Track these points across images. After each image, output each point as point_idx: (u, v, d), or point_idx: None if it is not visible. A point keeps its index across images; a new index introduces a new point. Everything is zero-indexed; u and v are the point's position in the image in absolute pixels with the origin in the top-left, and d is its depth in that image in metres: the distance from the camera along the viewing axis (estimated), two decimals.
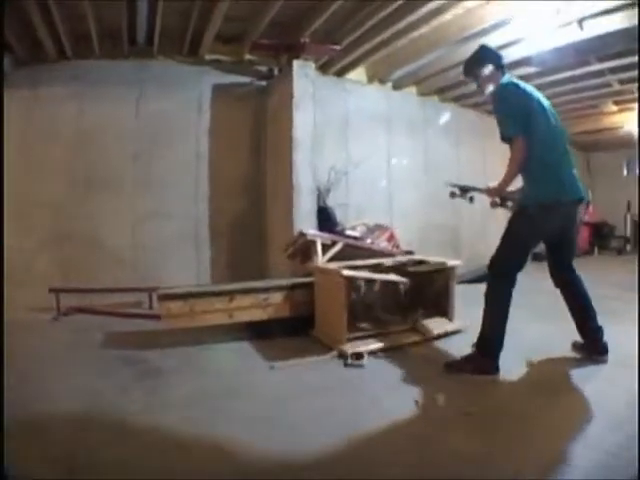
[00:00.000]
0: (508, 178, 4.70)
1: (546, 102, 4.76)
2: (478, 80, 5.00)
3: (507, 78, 4.81)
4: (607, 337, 4.77)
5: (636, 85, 10.81)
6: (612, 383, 4.21)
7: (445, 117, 11.96)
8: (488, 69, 4.86)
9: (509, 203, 4.94)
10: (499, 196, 4.92)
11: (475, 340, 4.77)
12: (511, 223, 4.70)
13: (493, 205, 5.00)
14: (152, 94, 8.51)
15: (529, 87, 4.75)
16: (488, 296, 4.65)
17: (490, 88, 4.89)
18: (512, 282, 4.65)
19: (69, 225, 7.95)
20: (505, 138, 4.62)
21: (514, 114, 4.50)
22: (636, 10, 6.83)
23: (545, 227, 4.64)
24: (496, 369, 4.53)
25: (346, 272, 5.23)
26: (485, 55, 4.97)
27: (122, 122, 8.37)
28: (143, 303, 7.57)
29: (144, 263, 8.30)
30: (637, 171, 16.70)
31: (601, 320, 4.80)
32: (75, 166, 8.06)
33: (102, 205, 8.17)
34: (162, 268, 8.30)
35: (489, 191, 4.94)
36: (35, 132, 7.83)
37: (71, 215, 7.98)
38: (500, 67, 4.88)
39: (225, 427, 3.47)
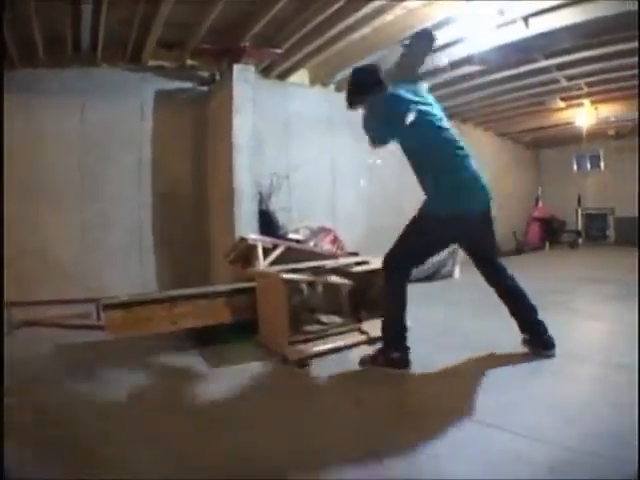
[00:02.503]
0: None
1: (435, 107, 4.73)
2: (359, 103, 4.96)
3: (390, 89, 4.71)
4: (559, 331, 4.85)
5: (583, 81, 10.98)
6: (560, 376, 4.25)
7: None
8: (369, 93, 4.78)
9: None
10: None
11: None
12: (408, 227, 4.76)
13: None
14: (96, 102, 8.43)
15: (410, 94, 4.61)
16: (385, 290, 4.72)
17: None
18: (407, 275, 4.68)
19: (16, 237, 7.79)
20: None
21: (387, 126, 4.59)
22: (583, 6, 6.95)
23: (441, 237, 4.73)
24: (406, 362, 4.57)
25: (285, 275, 5.23)
26: (363, 81, 4.90)
27: (67, 131, 8.29)
28: (91, 313, 7.46)
29: (90, 273, 8.22)
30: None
31: (547, 314, 4.87)
32: (22, 177, 7.91)
33: (48, 216, 8.08)
34: (108, 278, 8.24)
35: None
36: None
37: (17, 226, 7.81)
38: (378, 84, 4.76)
39: (168, 432, 3.50)
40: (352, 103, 5.00)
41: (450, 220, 4.44)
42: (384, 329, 4.73)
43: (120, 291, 7.19)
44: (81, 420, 3.78)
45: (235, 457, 3.09)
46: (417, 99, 4.58)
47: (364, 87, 4.82)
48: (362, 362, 4.80)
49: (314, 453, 3.10)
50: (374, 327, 5.60)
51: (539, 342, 4.76)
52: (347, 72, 9.42)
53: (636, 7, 6.54)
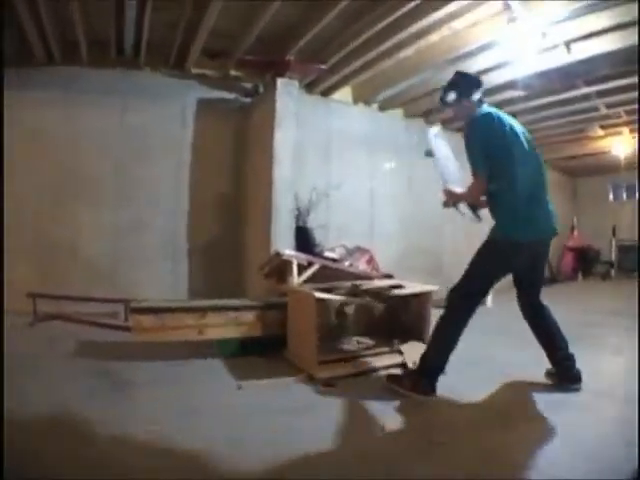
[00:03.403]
0: (463, 198, 4.73)
1: (522, 131, 4.67)
2: (452, 109, 4.97)
3: (485, 108, 4.70)
4: (586, 365, 4.78)
5: (622, 109, 10.86)
6: (583, 412, 4.17)
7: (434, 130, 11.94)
8: (462, 98, 4.77)
9: (462, 209, 4.86)
10: (452, 202, 4.84)
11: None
12: (479, 253, 4.66)
13: (445, 205, 4.92)
14: (137, 105, 8.53)
15: (505, 117, 4.61)
16: (443, 319, 4.61)
17: (464, 118, 4.86)
18: (471, 310, 4.59)
19: (50, 231, 7.95)
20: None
21: (482, 151, 4.45)
22: (622, 33, 6.88)
23: (512, 263, 4.64)
24: (432, 390, 4.52)
25: (318, 294, 5.17)
26: (459, 83, 4.83)
27: (106, 131, 8.38)
28: (119, 314, 7.48)
29: (122, 274, 8.27)
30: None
31: (577, 347, 4.79)
32: (58, 172, 8.06)
33: (83, 213, 8.18)
34: (139, 280, 8.26)
35: (446, 191, 4.86)
36: (19, 135, 7.74)
37: (52, 221, 7.98)
38: (477, 95, 4.77)
39: (186, 444, 3.42)
40: (443, 101, 4.97)
41: (523, 245, 4.49)
42: (427, 355, 4.64)
43: (150, 294, 7.25)
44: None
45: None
46: (504, 120, 4.58)
47: (459, 89, 4.80)
48: (388, 378, 4.81)
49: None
50: (406, 352, 5.59)
51: (566, 375, 4.72)
52: (390, 92, 9.51)
53: None
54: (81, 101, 8.17)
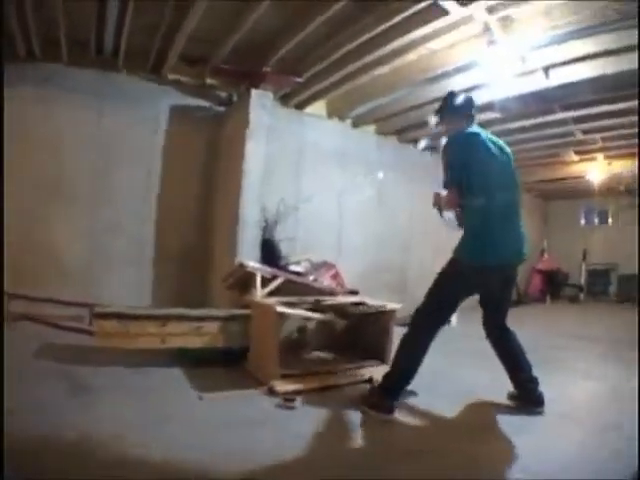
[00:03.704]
0: (443, 203, 4.74)
1: (506, 156, 4.75)
2: (443, 126, 5.06)
3: (473, 127, 4.77)
4: (551, 388, 4.83)
5: (599, 135, 10.97)
6: (546, 435, 4.21)
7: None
8: (452, 116, 4.90)
9: (445, 215, 4.87)
10: (438, 205, 4.83)
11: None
12: (443, 273, 4.68)
13: (433, 205, 4.89)
14: (113, 107, 8.49)
15: (488, 138, 4.70)
16: (407, 338, 4.62)
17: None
18: (434, 329, 4.60)
19: (24, 230, 7.84)
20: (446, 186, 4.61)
21: (455, 166, 4.52)
22: (608, 59, 6.94)
23: (477, 285, 4.70)
24: (391, 410, 4.51)
25: (280, 308, 5.19)
26: (451, 102, 4.95)
27: (83, 132, 8.34)
28: (85, 317, 7.42)
29: (93, 277, 8.25)
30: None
31: (546, 370, 4.93)
32: (35, 170, 7.98)
33: (58, 214, 8.11)
34: (109, 284, 8.25)
35: (435, 194, 4.81)
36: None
37: (27, 221, 7.88)
38: (467, 116, 4.87)
39: (144, 454, 3.43)
40: (440, 121, 5.08)
41: (488, 270, 4.51)
42: (390, 374, 4.65)
43: (117, 299, 7.27)
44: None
45: None
46: (486, 141, 4.63)
47: (450, 109, 4.94)
48: (359, 397, 4.78)
49: None
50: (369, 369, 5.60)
51: (529, 398, 4.74)
52: (365, 108, 9.54)
53: None
54: (60, 99, 8.11)
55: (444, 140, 4.89)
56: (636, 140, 10.88)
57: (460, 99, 4.95)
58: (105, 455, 3.35)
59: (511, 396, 4.92)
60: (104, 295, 7.66)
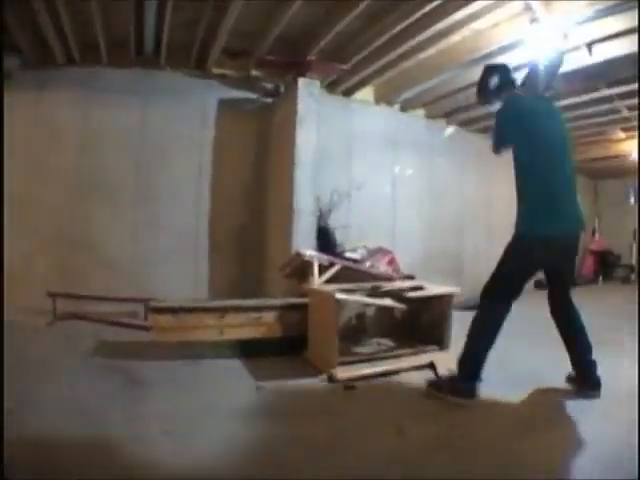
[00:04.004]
0: None
1: (558, 124, 4.68)
2: (489, 100, 4.99)
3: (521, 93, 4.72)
4: (604, 371, 4.66)
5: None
6: (604, 419, 4.07)
7: (449, 131, 11.95)
8: (495, 86, 4.82)
9: None
10: None
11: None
12: (507, 252, 4.59)
13: None
14: (157, 105, 8.52)
15: (541, 104, 4.65)
16: (477, 321, 4.56)
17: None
18: (504, 311, 4.52)
19: (69, 230, 7.96)
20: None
21: (505, 127, 4.52)
22: None
23: (542, 259, 4.56)
24: (472, 394, 4.45)
25: (338, 295, 5.14)
26: (492, 73, 4.90)
27: (126, 131, 8.38)
28: (138, 313, 7.47)
29: (142, 274, 8.25)
30: None
31: (598, 352, 4.69)
32: (77, 171, 8.08)
33: (102, 213, 8.16)
34: (159, 280, 8.23)
35: None
36: (39, 135, 7.84)
37: (72, 220, 7.99)
38: (509, 82, 4.82)
39: (200, 445, 3.41)
40: (485, 98, 5.04)
41: (551, 241, 4.42)
42: (463, 358, 4.58)
43: (170, 294, 7.24)
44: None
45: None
46: (539, 110, 4.58)
47: (492, 79, 4.85)
48: (430, 385, 4.72)
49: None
50: (429, 354, 5.55)
51: (587, 381, 4.64)
52: (412, 92, 9.46)
53: None
54: (101, 101, 8.17)
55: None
56: None
57: (498, 68, 4.95)
58: (152, 451, 3.33)
59: (569, 379, 4.82)
60: (159, 290, 7.60)
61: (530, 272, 4.69)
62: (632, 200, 17.57)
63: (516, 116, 4.48)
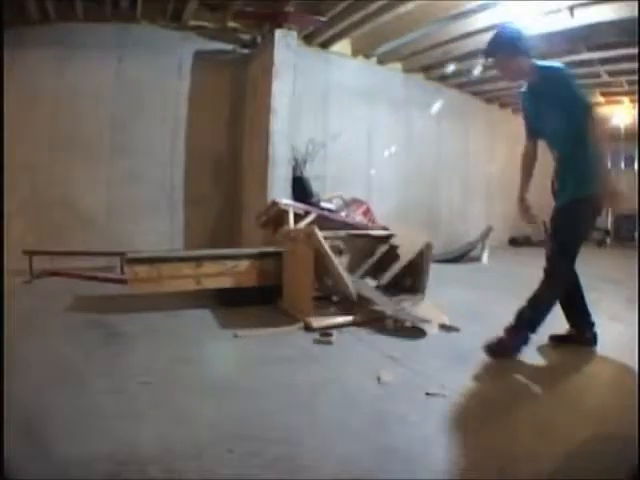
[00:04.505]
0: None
1: None
2: (506, 63, 4.75)
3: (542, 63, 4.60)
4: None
5: (624, 78, 10.78)
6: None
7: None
8: (518, 53, 4.51)
9: None
10: None
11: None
12: (569, 217, 4.52)
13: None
14: (133, 58, 8.46)
15: None
16: (554, 277, 4.51)
17: (517, 74, 4.65)
18: (572, 272, 4.63)
19: (45, 188, 7.91)
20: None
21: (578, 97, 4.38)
22: (629, 2, 6.79)
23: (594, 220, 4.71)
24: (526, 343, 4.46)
25: (317, 231, 5.18)
26: (514, 37, 4.58)
27: (102, 85, 8.32)
28: (115, 267, 7.43)
29: (118, 228, 8.26)
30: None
31: None
32: (54, 128, 8.00)
33: (78, 168, 8.12)
34: (136, 233, 8.25)
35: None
36: (13, 95, 7.63)
37: (47, 177, 7.94)
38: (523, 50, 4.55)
39: (180, 395, 3.41)
40: (491, 53, 4.68)
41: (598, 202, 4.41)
42: (528, 312, 4.47)
43: (148, 246, 7.27)
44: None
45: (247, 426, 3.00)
46: None
47: (511, 44, 4.53)
48: (489, 350, 4.44)
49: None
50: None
51: (585, 337, 4.70)
52: (390, 46, 9.42)
53: None
54: (77, 57, 8.08)
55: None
56: None
57: (515, 34, 4.64)
58: (134, 399, 3.34)
59: (553, 338, 4.81)
60: (134, 243, 7.66)
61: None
62: (609, 166, 17.61)
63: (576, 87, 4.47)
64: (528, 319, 4.44)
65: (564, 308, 4.75)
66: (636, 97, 12.30)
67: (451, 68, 10.89)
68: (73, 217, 7.98)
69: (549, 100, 4.45)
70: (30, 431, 2.85)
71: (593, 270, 5.22)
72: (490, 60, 4.81)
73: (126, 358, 4.15)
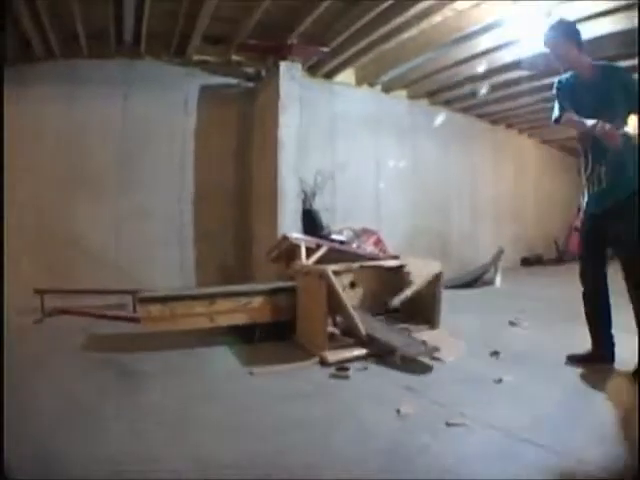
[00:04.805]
0: None
1: None
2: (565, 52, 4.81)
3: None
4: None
5: None
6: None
7: (439, 119, 11.97)
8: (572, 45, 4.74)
9: None
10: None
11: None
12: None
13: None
14: (139, 94, 8.47)
15: None
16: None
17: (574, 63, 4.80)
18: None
19: (53, 226, 7.88)
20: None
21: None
22: (630, 13, 6.81)
23: None
24: (611, 357, 4.60)
25: (330, 267, 5.20)
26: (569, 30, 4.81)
27: (108, 122, 8.33)
28: (127, 305, 7.42)
29: (128, 265, 8.21)
30: None
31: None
32: (60, 166, 8.01)
33: (86, 206, 8.10)
34: (146, 270, 8.21)
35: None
36: (21, 131, 7.65)
37: (55, 215, 7.92)
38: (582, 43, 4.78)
39: (196, 434, 3.38)
40: (552, 38, 4.88)
41: None
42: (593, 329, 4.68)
43: (158, 284, 7.24)
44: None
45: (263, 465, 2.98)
46: None
47: (572, 31, 4.80)
48: (572, 360, 4.76)
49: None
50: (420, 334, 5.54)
51: (605, 355, 4.65)
52: (394, 73, 9.45)
53: None
54: (82, 93, 8.10)
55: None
56: None
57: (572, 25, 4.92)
58: (153, 438, 3.33)
59: (571, 359, 4.79)
60: (145, 280, 7.64)
61: None
62: None
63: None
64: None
65: (589, 319, 4.73)
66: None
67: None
68: (83, 254, 7.95)
69: (607, 96, 4.52)
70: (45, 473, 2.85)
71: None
72: (547, 48, 4.98)
73: (141, 397, 4.15)
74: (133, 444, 3.23)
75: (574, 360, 4.75)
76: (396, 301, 5.91)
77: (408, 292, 5.94)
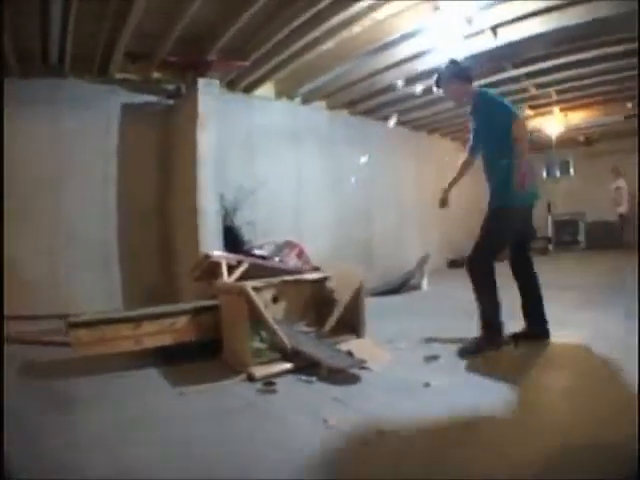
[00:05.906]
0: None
1: None
2: (451, 89, 5.54)
3: (485, 90, 5.63)
4: None
5: (552, 89, 11.07)
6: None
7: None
8: (459, 83, 5.40)
9: None
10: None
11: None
12: (487, 224, 5.36)
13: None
14: (64, 115, 8.41)
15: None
16: (477, 286, 5.23)
17: (461, 98, 5.52)
18: (493, 270, 5.19)
19: None
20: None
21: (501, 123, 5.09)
22: (551, 15, 7.03)
23: (515, 228, 5.28)
24: (500, 343, 5.18)
25: (249, 284, 5.30)
26: (457, 67, 5.48)
27: (36, 143, 8.23)
28: (61, 329, 7.36)
29: (58, 290, 8.16)
30: None
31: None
32: None
33: (14, 231, 7.90)
34: (75, 293, 8.17)
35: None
36: None
37: None
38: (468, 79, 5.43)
39: (130, 456, 3.43)
40: (439, 84, 5.63)
41: (521, 212, 5.26)
42: (484, 318, 5.19)
43: (89, 306, 7.18)
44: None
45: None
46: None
47: (459, 75, 5.44)
48: (463, 352, 5.15)
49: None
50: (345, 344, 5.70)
51: (540, 332, 5.35)
52: (313, 85, 9.52)
53: (602, 15, 6.81)
54: (11, 114, 7.89)
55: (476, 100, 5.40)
56: (589, 91, 11.13)
57: (463, 66, 5.58)
58: (88, 463, 3.33)
59: (514, 337, 5.39)
60: (75, 304, 7.58)
61: (509, 239, 5.43)
62: (545, 174, 18.13)
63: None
64: (486, 320, 5.24)
65: (524, 303, 5.50)
66: (566, 105, 12.72)
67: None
68: (13, 281, 7.78)
69: (478, 121, 5.44)
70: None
71: (546, 278, 5.43)
72: (440, 90, 5.72)
73: (78, 427, 4.14)
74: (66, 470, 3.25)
75: (514, 337, 5.40)
76: (327, 327, 6.00)
77: (335, 316, 6.05)
